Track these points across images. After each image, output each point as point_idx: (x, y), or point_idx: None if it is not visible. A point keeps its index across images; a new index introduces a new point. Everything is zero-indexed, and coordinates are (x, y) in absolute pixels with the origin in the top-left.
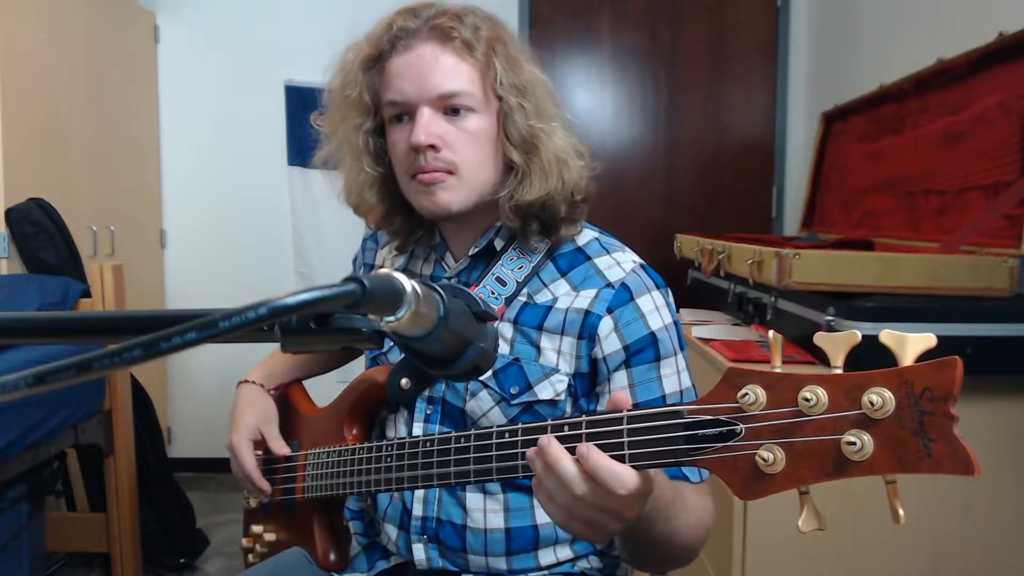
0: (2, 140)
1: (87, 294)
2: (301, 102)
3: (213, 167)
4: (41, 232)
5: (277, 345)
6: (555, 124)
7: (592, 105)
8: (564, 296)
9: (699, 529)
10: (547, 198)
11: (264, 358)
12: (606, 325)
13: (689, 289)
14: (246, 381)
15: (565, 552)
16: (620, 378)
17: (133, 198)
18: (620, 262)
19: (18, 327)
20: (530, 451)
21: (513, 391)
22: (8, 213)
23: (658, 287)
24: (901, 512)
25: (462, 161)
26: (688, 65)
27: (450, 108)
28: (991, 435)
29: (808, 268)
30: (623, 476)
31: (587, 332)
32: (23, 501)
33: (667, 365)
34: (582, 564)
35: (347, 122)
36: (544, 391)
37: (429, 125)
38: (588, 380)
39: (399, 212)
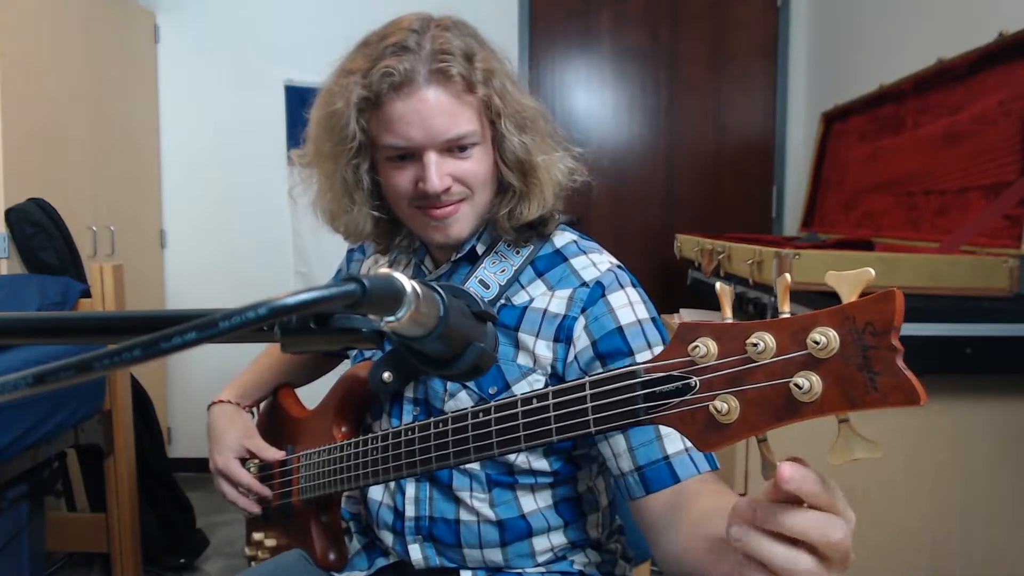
0: (2, 140)
1: (87, 294)
2: (301, 102)
3: (213, 167)
4: (41, 232)
5: (250, 359)
6: (549, 144)
7: (592, 105)
8: (540, 296)
9: None
10: (544, 212)
11: (236, 377)
12: (579, 325)
13: (689, 289)
14: (218, 402)
15: (559, 539)
16: None
17: (133, 198)
18: (596, 263)
19: (18, 327)
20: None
21: (492, 391)
22: (8, 213)
23: (633, 285)
24: (856, 452)
25: (471, 192)
26: (688, 65)
27: (456, 147)
28: (991, 435)
29: (808, 268)
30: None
31: (563, 335)
32: (23, 501)
33: (644, 358)
34: (580, 560)
35: (337, 161)
36: (522, 390)
37: (441, 169)
38: (562, 382)
39: (383, 228)
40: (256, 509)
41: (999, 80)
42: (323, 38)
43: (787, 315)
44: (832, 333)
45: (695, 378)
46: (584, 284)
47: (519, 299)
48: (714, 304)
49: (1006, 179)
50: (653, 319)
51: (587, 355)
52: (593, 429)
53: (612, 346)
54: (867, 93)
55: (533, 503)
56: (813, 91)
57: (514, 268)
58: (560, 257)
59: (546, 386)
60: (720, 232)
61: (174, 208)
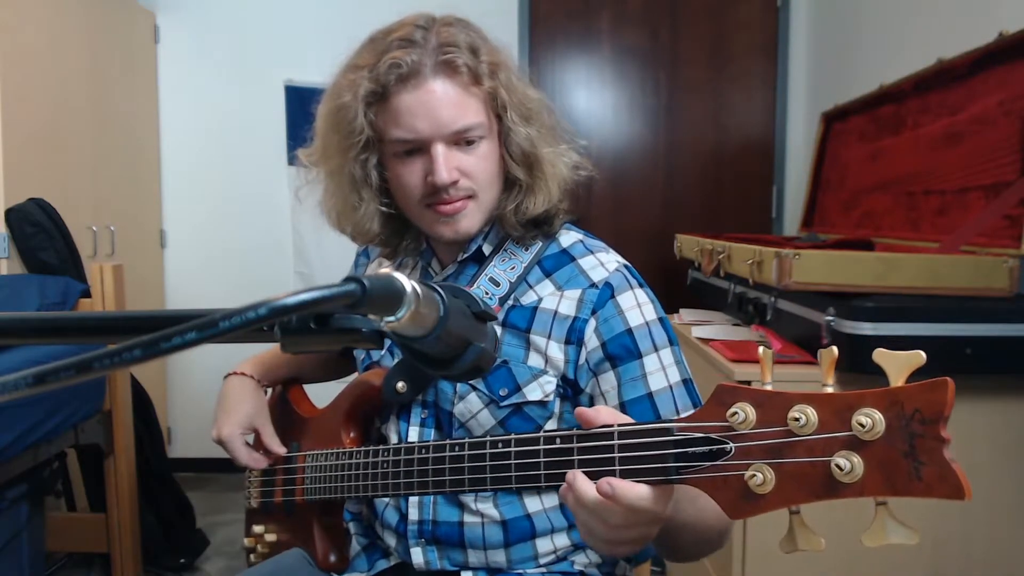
0: (2, 140)
1: (87, 294)
2: (301, 102)
3: (213, 167)
4: (41, 232)
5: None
6: (554, 138)
7: (592, 105)
8: (549, 296)
9: None
10: (550, 207)
11: (257, 353)
12: (590, 327)
13: (689, 289)
14: (237, 373)
15: (563, 540)
16: (608, 379)
17: (133, 198)
18: (604, 262)
19: (18, 327)
20: (562, 489)
21: (502, 393)
22: (8, 213)
23: (640, 286)
24: (891, 538)
25: (479, 186)
26: (688, 65)
27: (463, 140)
28: (991, 435)
29: (808, 268)
30: (647, 495)
31: (575, 337)
32: (23, 501)
33: (650, 362)
34: (581, 560)
35: (345, 155)
36: (533, 392)
37: (449, 161)
38: (576, 384)
39: (391, 228)
40: (273, 451)
41: (999, 80)
42: (323, 38)
43: (831, 389)
44: (878, 416)
45: (731, 444)
46: (593, 285)
47: (527, 299)
48: (713, 304)
49: (1006, 179)
50: (661, 319)
51: (597, 356)
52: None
53: (622, 347)
54: (867, 93)
55: (539, 503)
56: (813, 91)
57: (523, 265)
58: (567, 257)
59: (557, 388)
60: (720, 232)
61: (174, 208)
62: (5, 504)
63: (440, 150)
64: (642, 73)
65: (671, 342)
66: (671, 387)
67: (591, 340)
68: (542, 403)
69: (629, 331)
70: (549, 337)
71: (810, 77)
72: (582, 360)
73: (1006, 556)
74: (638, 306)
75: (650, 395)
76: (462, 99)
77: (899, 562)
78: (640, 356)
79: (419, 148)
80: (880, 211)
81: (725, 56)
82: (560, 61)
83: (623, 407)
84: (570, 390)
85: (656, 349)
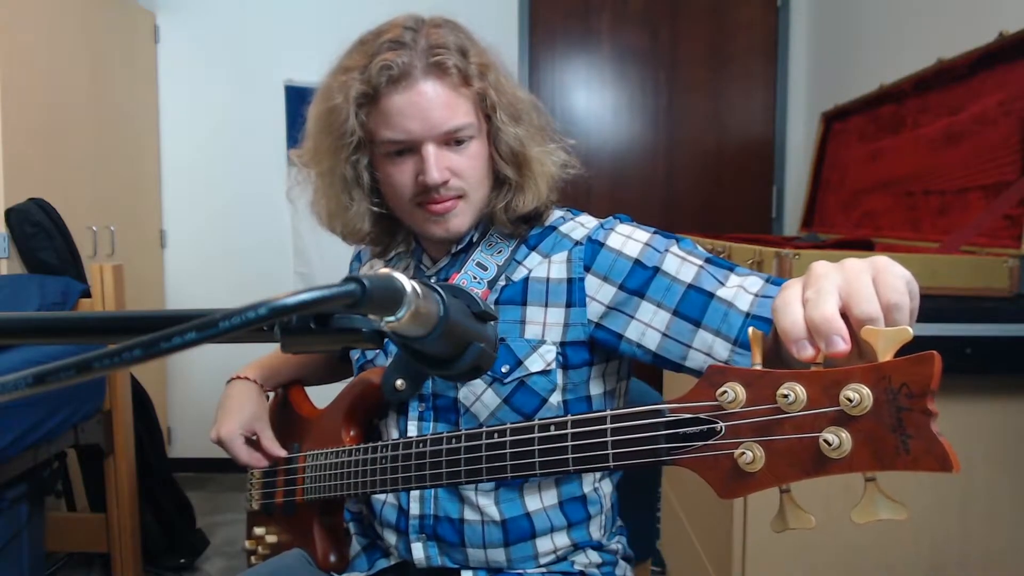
0: (2, 140)
1: (87, 294)
2: (301, 102)
3: (213, 167)
4: (41, 232)
5: (275, 345)
6: (543, 137)
7: (592, 105)
8: (538, 266)
9: None
10: (539, 205)
11: (259, 358)
12: (592, 282)
13: None
14: (240, 377)
15: (563, 540)
16: (645, 308)
17: (133, 198)
18: (583, 223)
19: (18, 327)
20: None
21: (504, 370)
22: (8, 213)
23: (622, 222)
24: (881, 514)
25: (469, 185)
26: (688, 65)
27: (453, 140)
28: (990, 435)
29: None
30: None
31: (576, 298)
32: (23, 501)
33: (670, 264)
34: (581, 560)
35: (337, 156)
36: (534, 363)
37: (440, 161)
38: (586, 348)
39: (381, 227)
40: (271, 455)
41: (999, 80)
42: (323, 38)
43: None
44: (866, 391)
45: (721, 423)
46: (577, 243)
47: (518, 275)
48: None
49: (1006, 179)
50: (654, 233)
51: (620, 297)
52: (612, 464)
53: (640, 277)
54: (867, 93)
55: (538, 502)
56: (813, 91)
57: (510, 249)
58: (550, 229)
59: (557, 357)
60: (720, 232)
61: (174, 208)
62: (5, 504)
63: (431, 150)
64: (642, 73)
65: (676, 240)
66: (703, 267)
67: (601, 292)
68: (545, 372)
69: (636, 261)
70: (547, 305)
71: (810, 77)
72: (591, 316)
73: (1005, 556)
74: (629, 238)
75: (691, 286)
76: (452, 100)
77: (897, 561)
78: (659, 269)
79: (410, 148)
80: (880, 211)
81: (725, 56)
82: (560, 61)
83: (677, 316)
84: (570, 358)
85: (667, 251)
